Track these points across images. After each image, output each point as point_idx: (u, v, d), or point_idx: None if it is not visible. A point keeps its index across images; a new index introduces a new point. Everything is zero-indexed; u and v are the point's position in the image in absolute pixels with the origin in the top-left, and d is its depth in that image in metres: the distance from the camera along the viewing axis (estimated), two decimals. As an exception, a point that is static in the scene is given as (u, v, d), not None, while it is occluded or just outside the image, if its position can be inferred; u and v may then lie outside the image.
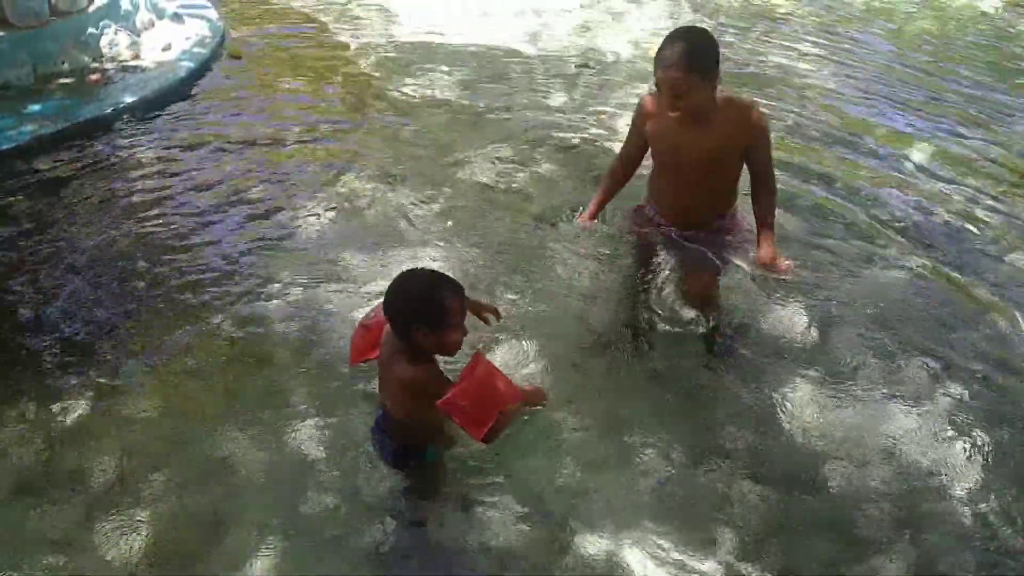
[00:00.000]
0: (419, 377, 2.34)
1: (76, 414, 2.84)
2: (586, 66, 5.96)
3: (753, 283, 3.44)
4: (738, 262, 3.51)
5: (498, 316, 2.75)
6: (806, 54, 6.41)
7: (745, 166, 3.35)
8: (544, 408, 2.73)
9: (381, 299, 2.42)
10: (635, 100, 5.24)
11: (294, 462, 2.70)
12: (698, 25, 3.11)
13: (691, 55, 3.02)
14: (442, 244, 3.74)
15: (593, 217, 3.68)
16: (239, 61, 5.70)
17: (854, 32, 6.98)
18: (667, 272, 3.54)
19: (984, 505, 2.65)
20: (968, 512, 2.63)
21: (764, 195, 3.38)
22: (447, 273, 2.51)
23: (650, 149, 3.48)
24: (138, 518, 2.49)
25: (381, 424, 2.56)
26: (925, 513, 2.63)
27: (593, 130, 4.94)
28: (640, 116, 3.44)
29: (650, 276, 3.53)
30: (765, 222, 3.38)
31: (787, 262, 3.41)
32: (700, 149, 3.23)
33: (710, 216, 3.52)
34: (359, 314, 3.27)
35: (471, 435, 2.32)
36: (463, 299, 2.38)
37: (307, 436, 2.77)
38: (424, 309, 2.29)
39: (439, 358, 2.45)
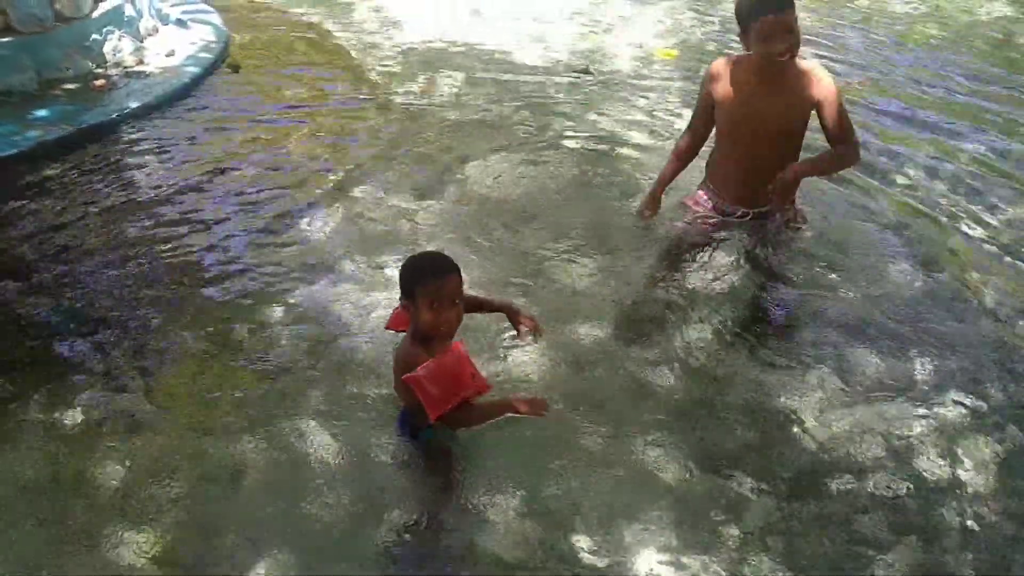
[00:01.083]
0: (400, 351, 2.55)
1: (82, 419, 2.84)
2: (587, 71, 5.97)
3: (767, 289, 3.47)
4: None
5: (536, 331, 2.83)
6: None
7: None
8: (543, 418, 2.64)
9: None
10: (638, 103, 5.34)
11: (301, 466, 2.69)
12: None
13: None
14: (446, 249, 3.73)
15: (657, 199, 3.74)
16: (237, 74, 5.70)
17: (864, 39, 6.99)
18: (684, 273, 3.59)
19: (996, 508, 2.64)
20: (978, 515, 2.62)
21: (840, 149, 3.38)
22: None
23: (716, 122, 3.50)
24: (144, 524, 2.48)
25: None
26: (934, 517, 2.61)
27: (595, 134, 4.95)
28: (709, 81, 3.47)
29: (667, 276, 3.59)
30: (817, 159, 3.43)
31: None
32: (775, 110, 3.28)
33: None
34: (364, 318, 3.29)
35: (428, 412, 2.41)
36: (441, 282, 2.45)
37: (314, 441, 2.77)
38: (402, 284, 2.51)
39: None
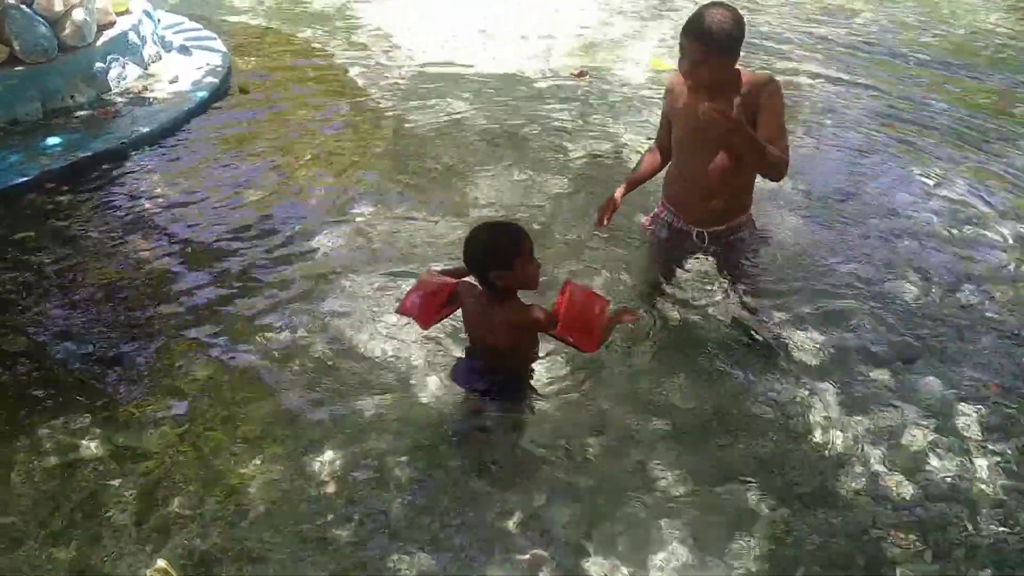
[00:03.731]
0: (516, 315, 2.77)
1: (87, 444, 2.83)
2: (583, 74, 6.01)
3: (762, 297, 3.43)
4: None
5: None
6: (818, 75, 6.42)
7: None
8: (638, 323, 3.09)
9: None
10: (641, 118, 5.33)
11: (308, 487, 2.67)
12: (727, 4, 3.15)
13: (710, 28, 3.07)
14: (455, 265, 3.72)
15: (610, 209, 3.61)
16: (246, 95, 5.73)
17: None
18: (678, 280, 3.57)
19: (1009, 520, 2.61)
20: (991, 527, 2.59)
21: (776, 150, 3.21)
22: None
23: (672, 135, 3.48)
24: (151, 546, 2.47)
25: (477, 368, 3.02)
26: (946, 529, 2.59)
27: (600, 147, 4.95)
28: (666, 95, 3.48)
29: (661, 284, 3.58)
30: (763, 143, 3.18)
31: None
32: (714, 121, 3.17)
33: (728, 211, 3.51)
34: (371, 336, 3.28)
35: (585, 350, 2.82)
36: (529, 240, 2.74)
37: (322, 462, 2.75)
38: (500, 254, 2.69)
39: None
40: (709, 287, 3.57)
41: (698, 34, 3.10)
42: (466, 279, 2.91)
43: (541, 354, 3.10)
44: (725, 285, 3.56)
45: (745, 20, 3.21)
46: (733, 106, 2.99)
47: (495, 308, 2.78)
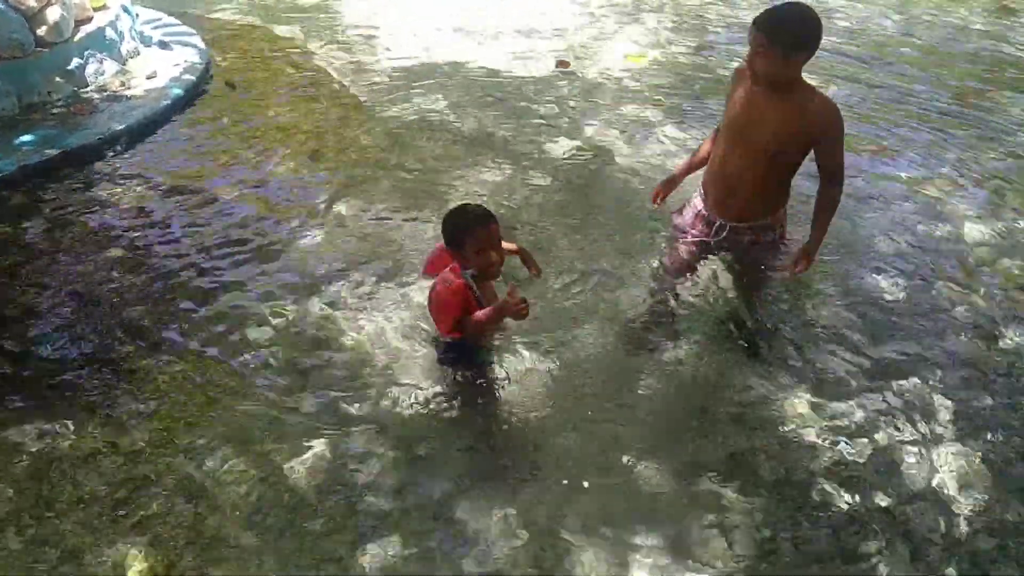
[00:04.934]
0: (439, 286, 3.00)
1: (67, 445, 2.82)
2: (564, 63, 6.05)
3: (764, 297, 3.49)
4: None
5: (537, 272, 3.39)
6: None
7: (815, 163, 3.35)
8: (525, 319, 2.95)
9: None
10: (623, 117, 5.35)
11: (289, 492, 2.67)
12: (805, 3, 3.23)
13: (778, 20, 3.11)
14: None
15: (668, 188, 3.78)
16: (233, 90, 5.69)
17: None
18: (673, 286, 3.60)
19: (982, 519, 2.66)
20: (964, 526, 2.64)
21: (828, 191, 3.36)
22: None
23: (723, 124, 3.49)
24: (127, 545, 2.47)
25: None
26: (920, 528, 2.63)
27: (581, 147, 4.95)
28: (731, 82, 3.49)
29: (656, 289, 3.62)
30: (820, 218, 3.40)
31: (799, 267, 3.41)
32: (767, 120, 3.23)
33: (757, 209, 3.52)
34: (352, 334, 3.28)
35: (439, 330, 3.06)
36: (486, 230, 2.89)
37: (304, 467, 2.75)
38: (449, 234, 2.94)
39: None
40: (707, 284, 3.58)
41: (762, 23, 3.12)
42: None
43: (524, 350, 3.16)
44: (724, 282, 3.58)
45: (817, 20, 3.17)
46: (796, 115, 3.18)
47: (442, 276, 3.01)
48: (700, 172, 3.72)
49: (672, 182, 3.79)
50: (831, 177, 3.34)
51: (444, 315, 3.01)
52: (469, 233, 2.88)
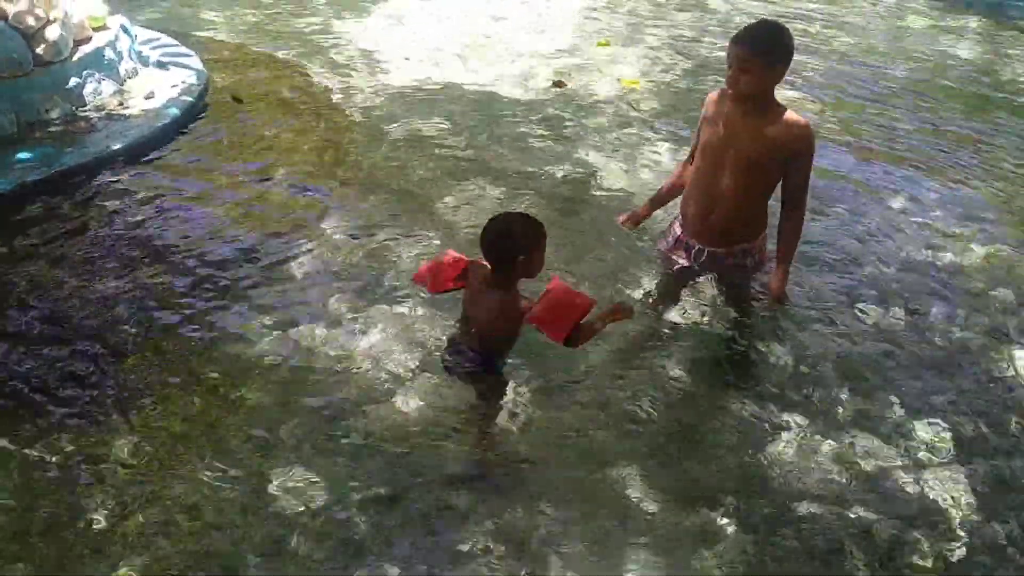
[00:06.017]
0: (508, 301, 2.97)
1: (52, 456, 2.82)
2: (561, 83, 6.10)
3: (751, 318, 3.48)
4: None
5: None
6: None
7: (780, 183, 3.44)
8: (630, 320, 3.15)
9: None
10: (617, 140, 5.39)
11: (276, 509, 2.67)
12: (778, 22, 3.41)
13: (759, 35, 3.25)
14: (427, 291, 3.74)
15: (639, 216, 3.89)
16: (240, 104, 5.75)
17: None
18: (665, 308, 3.63)
19: (972, 541, 2.66)
20: (955, 548, 2.65)
21: (793, 215, 3.47)
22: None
23: (700, 145, 3.55)
24: (116, 559, 2.47)
25: (471, 347, 3.11)
26: (910, 551, 2.64)
27: (575, 169, 4.99)
28: (702, 108, 3.56)
29: (649, 312, 3.65)
30: (788, 248, 3.52)
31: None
32: (741, 139, 3.32)
33: (736, 232, 3.56)
34: (344, 355, 3.29)
35: (553, 339, 2.93)
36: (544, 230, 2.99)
37: (290, 475, 2.76)
38: (522, 241, 2.91)
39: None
40: (697, 306, 3.61)
41: (742, 38, 3.23)
42: (476, 260, 3.09)
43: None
44: (714, 305, 3.60)
45: (790, 33, 3.32)
46: (773, 129, 3.29)
47: (492, 290, 2.99)
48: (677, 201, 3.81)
49: (635, 216, 3.93)
50: (796, 200, 3.45)
51: (566, 321, 2.92)
52: (544, 237, 2.96)
